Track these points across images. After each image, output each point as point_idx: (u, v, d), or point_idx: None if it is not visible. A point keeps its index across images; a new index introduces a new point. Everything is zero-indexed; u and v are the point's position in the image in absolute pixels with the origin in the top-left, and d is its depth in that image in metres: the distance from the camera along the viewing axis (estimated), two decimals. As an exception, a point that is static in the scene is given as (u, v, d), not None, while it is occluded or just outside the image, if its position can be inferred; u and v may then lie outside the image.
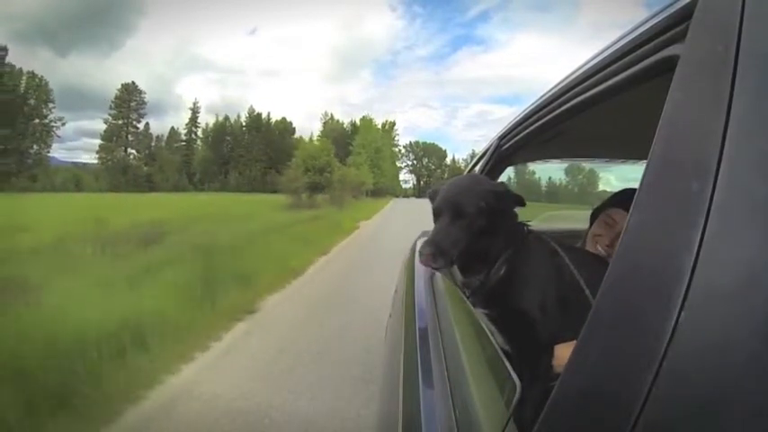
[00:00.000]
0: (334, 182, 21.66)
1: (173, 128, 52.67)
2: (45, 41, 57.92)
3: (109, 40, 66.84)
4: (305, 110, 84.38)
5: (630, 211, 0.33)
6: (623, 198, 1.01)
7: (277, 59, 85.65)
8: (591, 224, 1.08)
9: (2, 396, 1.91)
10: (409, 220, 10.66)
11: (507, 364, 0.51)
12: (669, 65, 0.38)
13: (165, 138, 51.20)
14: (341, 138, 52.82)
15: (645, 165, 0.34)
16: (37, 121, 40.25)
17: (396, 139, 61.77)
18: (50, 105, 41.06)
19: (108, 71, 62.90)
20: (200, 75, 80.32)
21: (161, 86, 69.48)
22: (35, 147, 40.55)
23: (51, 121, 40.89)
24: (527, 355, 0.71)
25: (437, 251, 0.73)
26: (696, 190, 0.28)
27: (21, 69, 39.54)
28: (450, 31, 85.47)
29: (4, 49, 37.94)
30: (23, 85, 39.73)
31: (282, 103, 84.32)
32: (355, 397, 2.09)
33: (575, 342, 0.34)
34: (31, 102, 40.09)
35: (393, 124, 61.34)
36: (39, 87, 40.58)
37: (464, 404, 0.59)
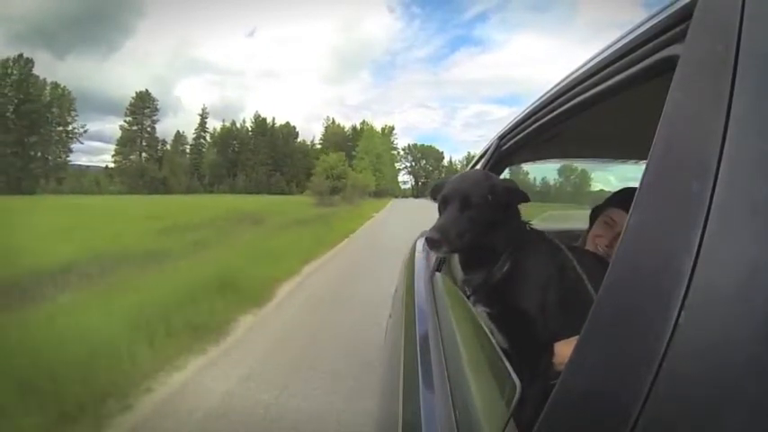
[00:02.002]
0: (347, 186, 29.55)
1: (178, 131, 54.86)
2: (44, 44, 58.14)
3: (107, 41, 67.09)
4: (304, 111, 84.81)
5: (630, 211, 0.33)
6: (623, 198, 1.01)
7: (276, 61, 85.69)
8: (591, 224, 1.08)
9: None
10: (406, 213, 17.79)
11: (507, 364, 0.51)
12: (669, 65, 0.38)
13: (169, 140, 53.26)
14: (342, 141, 55.85)
15: (645, 165, 0.34)
16: (60, 128, 43.65)
17: (394, 142, 64.10)
18: (73, 113, 44.35)
19: (106, 73, 63.30)
20: (198, 76, 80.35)
21: (160, 88, 69.91)
22: (56, 151, 43.57)
23: (74, 128, 44.27)
24: (529, 354, 0.71)
25: (444, 237, 0.73)
26: (696, 190, 0.28)
27: (45, 80, 42.64)
28: (448, 31, 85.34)
29: (31, 61, 41.34)
30: (48, 94, 42.51)
31: (281, 104, 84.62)
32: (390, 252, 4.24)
33: (575, 339, 0.34)
34: (54, 110, 42.95)
35: (392, 128, 63.73)
36: (62, 96, 43.44)
37: (464, 404, 0.59)
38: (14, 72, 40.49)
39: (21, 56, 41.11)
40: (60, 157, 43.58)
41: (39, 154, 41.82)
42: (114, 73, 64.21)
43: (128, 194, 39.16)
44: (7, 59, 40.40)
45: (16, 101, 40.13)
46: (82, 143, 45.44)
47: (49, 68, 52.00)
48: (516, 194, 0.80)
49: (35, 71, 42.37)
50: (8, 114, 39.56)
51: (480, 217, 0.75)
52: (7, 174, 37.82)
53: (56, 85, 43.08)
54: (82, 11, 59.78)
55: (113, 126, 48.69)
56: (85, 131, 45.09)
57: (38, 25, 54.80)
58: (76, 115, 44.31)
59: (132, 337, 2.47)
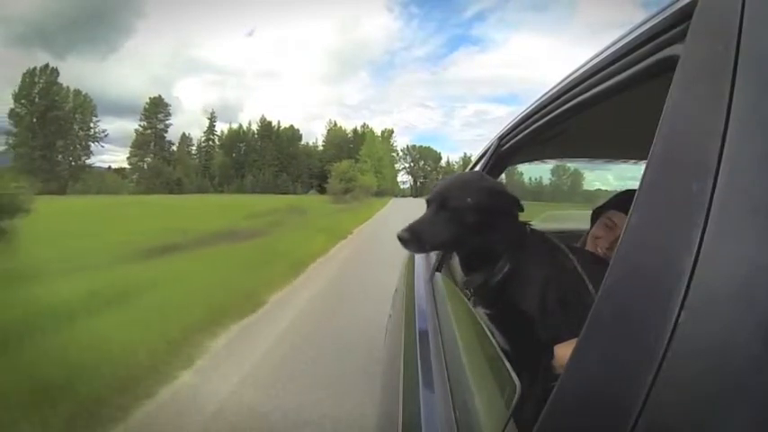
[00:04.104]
0: (357, 187, 36.38)
1: (184, 133, 57.47)
2: (43, 44, 58.75)
3: (107, 42, 67.49)
4: (303, 111, 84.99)
5: (630, 211, 0.33)
6: (624, 200, 1.01)
7: (275, 61, 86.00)
8: (591, 225, 1.08)
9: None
10: (404, 209, 23.25)
11: (507, 364, 0.51)
12: (669, 65, 0.38)
13: (172, 141, 55.74)
14: (344, 143, 59.96)
15: (645, 165, 0.34)
16: (81, 133, 47.59)
17: (393, 144, 67.13)
18: (94, 119, 48.43)
19: (106, 74, 63.79)
20: (197, 77, 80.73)
21: (159, 89, 70.26)
22: (79, 154, 47.97)
23: (96, 133, 48.58)
24: (529, 355, 0.70)
25: (411, 236, 0.76)
26: (696, 190, 0.28)
27: (68, 87, 46.48)
28: (446, 31, 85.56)
29: (56, 70, 45.13)
30: (71, 100, 46.36)
31: (281, 104, 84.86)
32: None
33: (575, 341, 0.34)
34: (77, 116, 46.93)
35: (391, 131, 67.11)
36: (84, 103, 47.26)
37: (464, 404, 0.59)
38: (41, 81, 44.11)
39: (47, 65, 45.01)
40: (80, 160, 47.57)
41: (60, 157, 45.58)
42: (113, 73, 64.76)
43: (153, 195, 42.06)
44: (34, 69, 44.01)
45: (43, 108, 43.47)
46: (103, 146, 49.49)
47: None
48: (506, 198, 0.80)
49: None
50: (34, 120, 43.27)
51: (458, 220, 0.76)
52: (35, 176, 41.58)
53: (78, 92, 47.00)
54: (81, 11, 60.16)
55: (112, 126, 52.21)
56: (106, 135, 49.05)
57: (37, 26, 55.40)
58: (98, 120, 48.46)
59: (314, 241, 7.39)
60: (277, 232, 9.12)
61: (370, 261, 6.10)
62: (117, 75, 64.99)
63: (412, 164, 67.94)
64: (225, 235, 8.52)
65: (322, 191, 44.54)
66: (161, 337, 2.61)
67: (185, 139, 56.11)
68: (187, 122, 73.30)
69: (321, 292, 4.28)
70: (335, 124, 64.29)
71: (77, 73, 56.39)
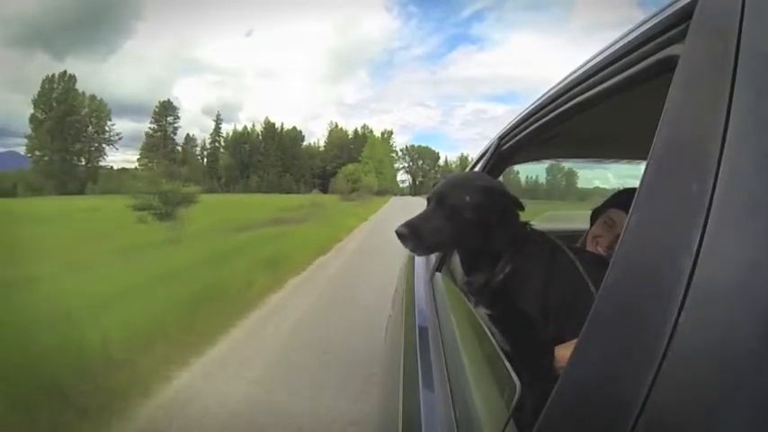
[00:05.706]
0: (361, 187, 41.29)
1: (188, 134, 59.33)
2: (42, 45, 59.32)
3: (106, 43, 68.02)
4: (302, 110, 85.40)
5: (630, 210, 0.33)
6: (623, 199, 1.01)
7: (274, 61, 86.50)
8: (591, 225, 1.08)
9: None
10: (403, 206, 26.08)
11: (507, 364, 0.51)
12: (669, 65, 0.38)
13: (179, 143, 57.60)
14: (345, 144, 62.85)
15: (645, 165, 0.34)
16: (97, 135, 51.38)
17: (393, 144, 69.40)
18: (109, 123, 51.98)
19: (105, 75, 64.22)
20: (196, 77, 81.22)
21: (158, 89, 70.56)
22: (95, 156, 51.81)
23: (110, 136, 52.15)
24: (530, 356, 0.70)
25: (410, 232, 0.75)
26: (696, 190, 0.28)
27: (84, 93, 49.79)
28: (445, 30, 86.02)
29: (73, 77, 47.78)
30: (86, 105, 49.79)
31: (280, 104, 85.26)
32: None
33: (575, 342, 0.34)
34: (92, 120, 50.62)
35: (390, 132, 69.59)
36: (99, 107, 50.72)
37: (464, 404, 0.59)
38: (59, 87, 47.44)
39: (65, 72, 48.39)
40: (95, 161, 51.26)
41: (74, 159, 49.33)
42: (113, 74, 65.17)
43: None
44: (53, 76, 47.53)
45: (61, 113, 46.78)
46: (117, 149, 52.60)
47: (47, 70, 53.23)
48: (505, 197, 0.79)
49: (34, 73, 48.45)
50: (53, 125, 46.47)
51: (457, 217, 0.75)
52: (54, 177, 44.84)
53: (93, 97, 50.60)
54: (80, 13, 60.51)
55: (112, 127, 52.85)
56: (120, 138, 52.15)
57: (37, 27, 55.88)
58: (113, 124, 52.12)
59: (348, 221, 12.62)
60: (315, 219, 12.74)
61: (384, 228, 10.08)
62: (116, 75, 65.55)
63: (411, 163, 69.27)
64: (278, 221, 11.90)
65: (324, 190, 46.38)
66: (306, 250, 6.14)
67: (190, 140, 57.59)
68: (188, 123, 73.51)
69: (364, 238, 9.26)
70: (336, 126, 66.29)
71: (77, 74, 56.80)
